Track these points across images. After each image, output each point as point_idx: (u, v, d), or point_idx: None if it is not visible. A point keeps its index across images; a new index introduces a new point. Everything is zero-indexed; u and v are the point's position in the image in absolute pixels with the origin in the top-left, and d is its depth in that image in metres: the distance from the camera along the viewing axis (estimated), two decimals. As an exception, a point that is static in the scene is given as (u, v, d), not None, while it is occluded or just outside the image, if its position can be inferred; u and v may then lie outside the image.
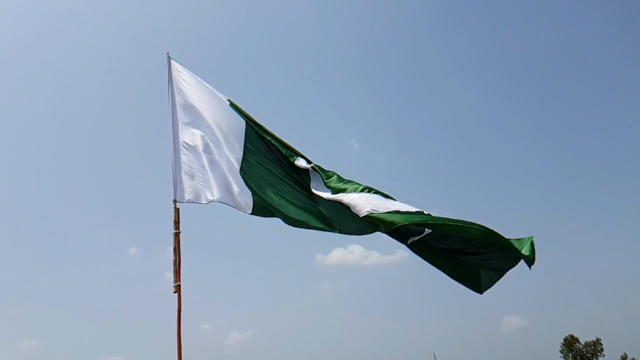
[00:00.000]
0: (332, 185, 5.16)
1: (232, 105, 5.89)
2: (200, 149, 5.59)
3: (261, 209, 5.33)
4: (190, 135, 5.67)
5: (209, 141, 5.63)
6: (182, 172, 5.44)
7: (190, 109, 5.82)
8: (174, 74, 5.96)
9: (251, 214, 5.31)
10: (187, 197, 5.35)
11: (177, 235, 5.11)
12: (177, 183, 5.36)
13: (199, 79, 6.02)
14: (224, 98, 5.94)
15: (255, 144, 5.66)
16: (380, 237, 5.08)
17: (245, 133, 5.70)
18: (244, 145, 5.62)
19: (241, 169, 5.47)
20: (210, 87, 6.00)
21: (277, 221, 5.31)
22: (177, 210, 5.22)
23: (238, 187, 5.37)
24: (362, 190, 5.02)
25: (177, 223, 5.16)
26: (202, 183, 5.42)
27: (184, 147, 5.59)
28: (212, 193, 5.35)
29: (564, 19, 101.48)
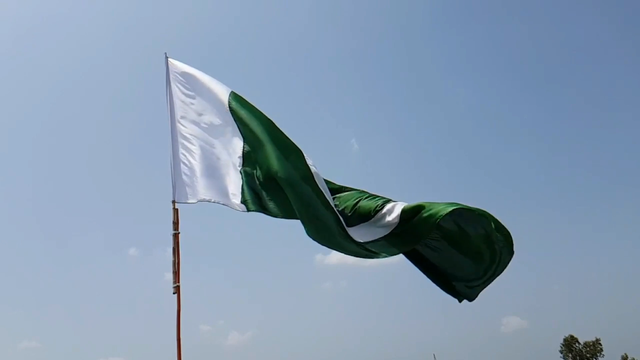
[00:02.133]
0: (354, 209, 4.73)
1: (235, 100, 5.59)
2: (215, 149, 5.47)
3: (287, 210, 5.03)
4: (203, 135, 5.55)
5: (225, 140, 5.50)
6: (183, 173, 5.35)
7: (199, 107, 5.67)
8: (176, 72, 5.86)
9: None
10: (207, 197, 5.18)
11: (176, 236, 5.07)
12: (176, 183, 5.31)
13: (205, 74, 5.81)
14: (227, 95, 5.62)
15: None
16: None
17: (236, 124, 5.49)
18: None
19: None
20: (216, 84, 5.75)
21: (277, 222, 5.18)
22: (176, 211, 5.17)
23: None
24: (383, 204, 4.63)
25: (176, 224, 5.12)
26: (220, 184, 5.27)
27: (200, 146, 5.46)
28: (235, 195, 5.18)
29: (558, 20, 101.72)
